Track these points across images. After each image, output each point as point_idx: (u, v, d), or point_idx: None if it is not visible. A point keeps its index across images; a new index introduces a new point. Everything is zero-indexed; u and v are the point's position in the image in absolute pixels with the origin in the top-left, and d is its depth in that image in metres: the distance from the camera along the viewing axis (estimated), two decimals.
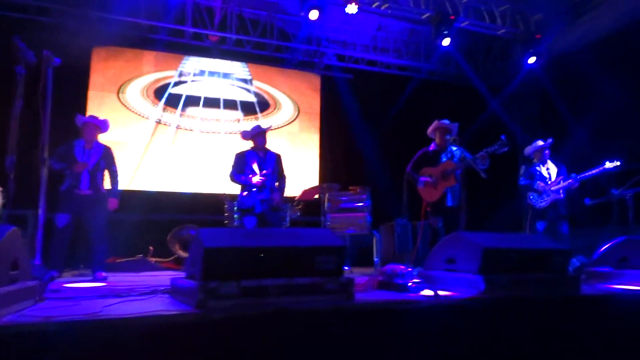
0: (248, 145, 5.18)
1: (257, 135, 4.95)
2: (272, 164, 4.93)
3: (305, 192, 6.28)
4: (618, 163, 5.21)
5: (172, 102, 8.04)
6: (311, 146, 8.92)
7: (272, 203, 4.88)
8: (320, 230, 3.02)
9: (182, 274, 2.89)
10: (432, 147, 5.08)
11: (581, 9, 8.19)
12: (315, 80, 9.10)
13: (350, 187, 6.65)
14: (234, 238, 2.55)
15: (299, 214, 6.37)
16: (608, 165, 5.25)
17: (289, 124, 8.81)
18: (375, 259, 6.47)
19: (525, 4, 7.93)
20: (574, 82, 8.13)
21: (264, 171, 4.82)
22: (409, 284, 2.92)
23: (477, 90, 9.68)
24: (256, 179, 4.77)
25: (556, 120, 8.21)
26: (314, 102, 9.05)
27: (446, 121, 4.98)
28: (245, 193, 4.83)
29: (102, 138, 5.16)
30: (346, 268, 6.23)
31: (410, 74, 9.67)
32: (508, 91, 9.02)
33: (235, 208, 5.33)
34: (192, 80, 8.24)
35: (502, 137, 4.54)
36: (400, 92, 9.31)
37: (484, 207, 7.42)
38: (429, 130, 5.08)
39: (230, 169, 4.95)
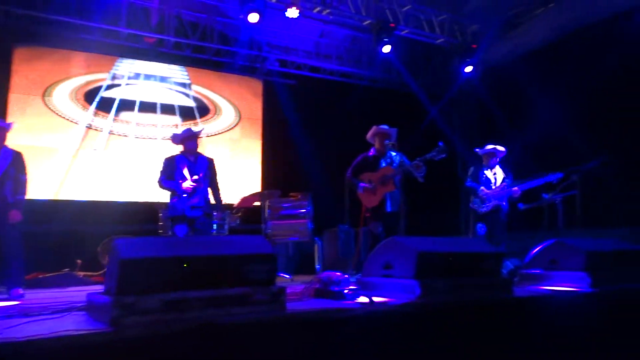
0: (178, 150, 4.92)
1: (188, 138, 4.72)
2: (204, 168, 4.71)
3: (244, 199, 6.11)
4: (560, 176, 5.34)
5: (104, 106, 7.63)
6: (253, 153, 8.74)
7: (206, 210, 4.68)
8: (252, 238, 2.85)
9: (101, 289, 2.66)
10: (371, 152, 5.06)
11: (515, 21, 8.55)
12: (257, 86, 8.95)
13: (291, 194, 6.54)
14: (154, 247, 2.37)
15: (238, 222, 6.18)
16: (550, 176, 5.38)
17: (229, 129, 8.60)
18: (317, 266, 6.38)
19: (462, 15, 8.18)
20: (510, 92, 8.44)
21: (195, 176, 4.60)
22: (345, 291, 2.83)
23: (418, 99, 9.90)
24: (187, 184, 4.53)
25: (493, 129, 8.48)
26: (256, 107, 8.90)
27: (385, 126, 4.98)
28: (175, 199, 4.59)
29: (27, 143, 4.75)
30: (287, 276, 6.10)
31: (353, 81, 9.74)
32: (447, 99, 9.25)
33: (167, 216, 5.07)
34: (127, 84, 7.88)
35: (440, 144, 4.58)
36: (343, 99, 9.33)
37: (424, 211, 7.54)
38: (368, 135, 5.06)
39: (158, 175, 4.68)
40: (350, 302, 2.76)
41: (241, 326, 2.24)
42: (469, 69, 7.86)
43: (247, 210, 6.51)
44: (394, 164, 4.83)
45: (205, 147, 8.11)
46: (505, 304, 3.06)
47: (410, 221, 4.68)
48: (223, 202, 5.07)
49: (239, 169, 8.46)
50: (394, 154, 4.93)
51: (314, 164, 8.75)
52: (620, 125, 6.58)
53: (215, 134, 8.43)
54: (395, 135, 4.93)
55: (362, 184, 4.89)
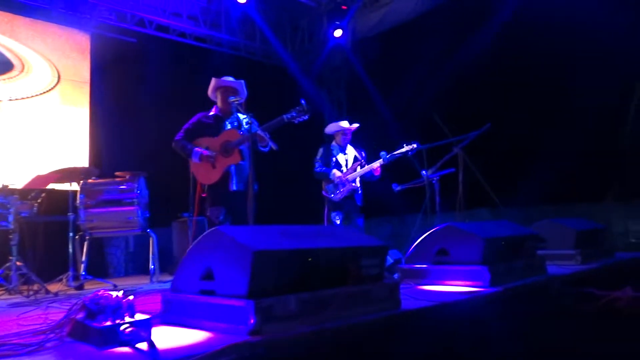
0: None
1: None
2: None
3: (38, 179, 4.44)
4: (414, 145, 4.67)
5: None
6: (78, 124, 6.91)
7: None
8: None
9: None
10: (212, 111, 3.81)
11: None
12: (83, 41, 7.09)
13: (117, 173, 5.02)
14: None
15: (35, 209, 4.50)
16: (405, 148, 4.69)
17: (44, 93, 6.67)
18: (151, 267, 4.96)
19: None
20: (380, 65, 7.80)
21: None
22: (122, 328, 1.56)
23: (285, 70, 8.84)
24: None
25: (364, 105, 7.77)
26: (82, 67, 7.04)
27: (229, 78, 3.76)
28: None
29: None
30: (109, 283, 4.62)
31: (209, 46, 8.36)
32: (316, 71, 8.30)
33: None
34: None
35: (302, 102, 3.50)
36: (196, 65, 7.85)
37: (281, 191, 6.47)
38: (209, 91, 3.80)
39: None
40: (116, 351, 1.50)
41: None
42: (338, 32, 6.96)
43: (50, 194, 4.83)
44: (242, 128, 3.63)
45: (7, 114, 6.15)
46: (394, 323, 2.06)
47: (262, 204, 3.52)
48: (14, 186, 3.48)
49: (59, 145, 6.60)
50: (242, 116, 3.74)
51: (159, 140, 7.16)
52: (498, 98, 6.14)
53: (23, 98, 6.45)
54: (244, 90, 3.73)
55: (196, 150, 3.62)
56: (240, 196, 3.53)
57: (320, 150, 4.97)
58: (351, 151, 5.02)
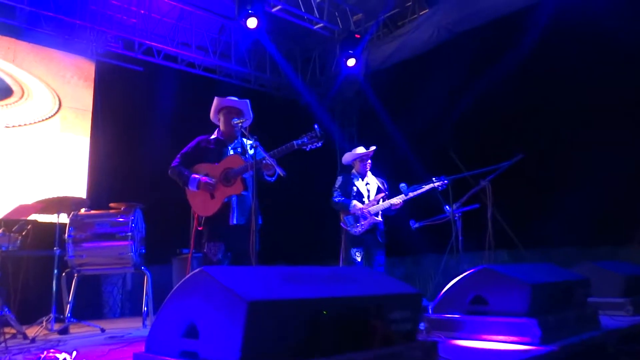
0: None
1: None
2: None
3: (21, 209, 4.05)
4: (444, 182, 4.25)
5: None
6: (77, 153, 6.60)
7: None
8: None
9: None
10: (214, 134, 3.43)
11: (399, 21, 7.68)
12: (87, 68, 6.87)
13: (111, 205, 4.64)
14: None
15: (18, 242, 4.09)
16: (434, 183, 4.28)
17: (43, 120, 6.39)
18: (144, 309, 4.49)
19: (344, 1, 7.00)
20: (394, 96, 7.51)
21: None
22: None
23: (297, 102, 8.59)
24: None
25: (377, 136, 7.42)
26: (84, 95, 6.79)
27: (232, 99, 3.39)
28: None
29: None
30: (97, 327, 4.16)
31: (219, 77, 8.15)
32: (327, 103, 8.01)
33: None
34: None
35: (315, 127, 3.12)
36: (204, 97, 7.59)
37: (286, 228, 6.01)
38: (211, 112, 3.44)
39: None
40: None
41: None
42: (351, 61, 6.65)
43: (37, 227, 4.43)
44: (247, 155, 3.24)
45: (5, 142, 5.86)
46: None
47: (265, 240, 3.08)
48: None
49: (57, 174, 6.28)
50: (247, 141, 3.36)
51: (163, 171, 6.80)
52: (526, 127, 5.73)
53: (23, 125, 6.17)
54: (249, 112, 3.36)
55: (194, 177, 3.22)
56: (242, 231, 3.08)
57: (340, 179, 4.55)
58: (373, 180, 4.59)
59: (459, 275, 2.68)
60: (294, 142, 3.07)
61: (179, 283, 1.49)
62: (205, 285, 1.37)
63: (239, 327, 1.23)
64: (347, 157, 4.61)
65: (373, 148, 4.58)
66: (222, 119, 3.36)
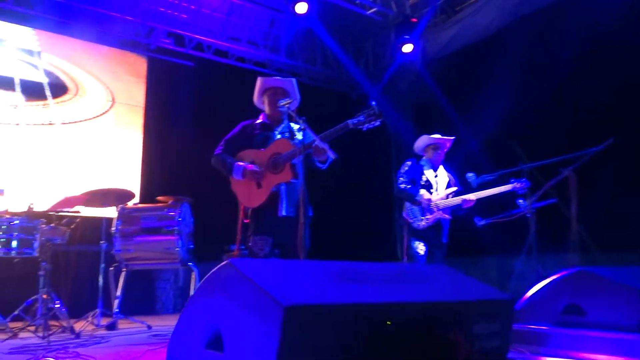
0: None
1: None
2: None
3: (65, 201, 3.96)
4: (524, 184, 3.77)
5: None
6: (131, 148, 6.59)
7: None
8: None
9: None
10: (259, 119, 3.16)
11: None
12: (139, 64, 6.86)
13: (159, 198, 4.50)
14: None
15: (66, 238, 4.02)
16: (513, 185, 3.79)
17: (98, 116, 6.42)
18: None
19: None
20: (452, 86, 7.02)
21: None
22: None
23: (346, 94, 8.29)
24: None
25: (435, 125, 6.96)
26: (137, 91, 6.79)
27: (276, 79, 3.11)
28: None
29: None
30: (145, 324, 4.02)
31: (269, 71, 7.95)
32: (382, 93, 7.62)
33: None
34: None
35: (372, 104, 2.76)
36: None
37: (341, 219, 5.63)
38: (255, 96, 3.18)
39: None
40: None
41: None
42: (408, 47, 6.22)
43: (86, 220, 4.35)
44: (295, 139, 2.95)
45: (60, 138, 5.91)
46: None
47: (315, 233, 2.77)
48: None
49: (111, 169, 6.28)
50: (295, 125, 3.06)
51: (212, 166, 6.68)
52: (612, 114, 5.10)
53: (78, 122, 6.22)
54: (295, 92, 3.07)
55: (238, 164, 2.96)
56: (291, 223, 2.78)
57: (408, 164, 4.13)
58: (443, 173, 4.14)
59: (540, 280, 2.26)
60: (349, 121, 2.73)
61: (203, 279, 1.20)
62: (233, 282, 1.07)
63: (273, 338, 0.92)
64: (420, 142, 4.15)
65: (451, 138, 4.15)
66: (266, 101, 3.09)
